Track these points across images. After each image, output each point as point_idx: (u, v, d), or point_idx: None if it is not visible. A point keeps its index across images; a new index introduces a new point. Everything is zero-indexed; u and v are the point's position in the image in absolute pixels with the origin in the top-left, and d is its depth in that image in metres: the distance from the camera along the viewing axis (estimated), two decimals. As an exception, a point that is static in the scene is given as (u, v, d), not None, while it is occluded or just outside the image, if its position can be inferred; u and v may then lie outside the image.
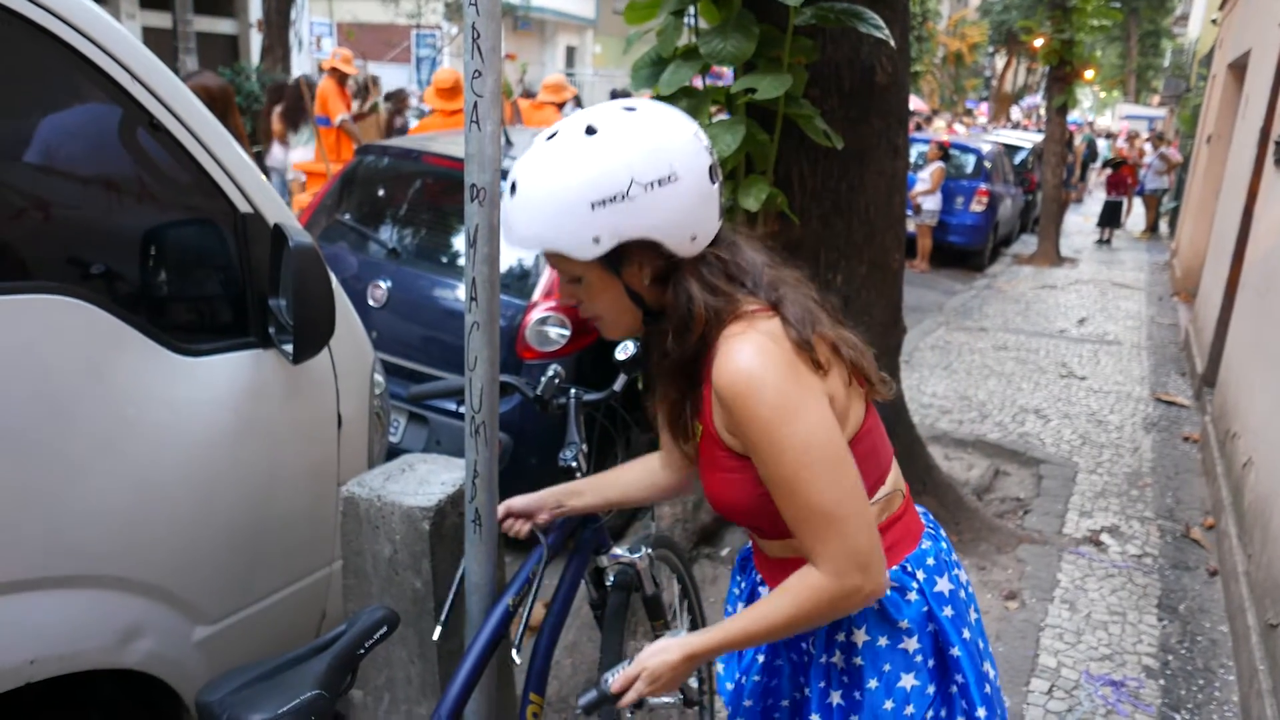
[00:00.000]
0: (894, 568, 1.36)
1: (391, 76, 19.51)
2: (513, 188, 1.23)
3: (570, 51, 30.13)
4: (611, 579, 2.00)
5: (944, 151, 10.96)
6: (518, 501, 1.71)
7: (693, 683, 2.21)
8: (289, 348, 1.89)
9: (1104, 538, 4.05)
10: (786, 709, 1.53)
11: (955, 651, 1.37)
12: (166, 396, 1.75)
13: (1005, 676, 2.95)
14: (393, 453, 2.41)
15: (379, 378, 2.41)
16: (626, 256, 1.24)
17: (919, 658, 1.37)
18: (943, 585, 1.40)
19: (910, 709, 1.36)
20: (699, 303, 1.23)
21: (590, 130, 1.19)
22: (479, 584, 1.68)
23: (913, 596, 1.37)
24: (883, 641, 1.36)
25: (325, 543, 2.17)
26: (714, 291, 1.24)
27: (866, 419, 1.34)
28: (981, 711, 1.38)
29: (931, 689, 1.37)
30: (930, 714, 1.37)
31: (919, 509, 1.53)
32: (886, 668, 1.36)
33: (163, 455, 1.75)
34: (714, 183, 1.25)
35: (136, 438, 1.70)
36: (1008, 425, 5.44)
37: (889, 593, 1.34)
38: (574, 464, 1.87)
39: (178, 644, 1.83)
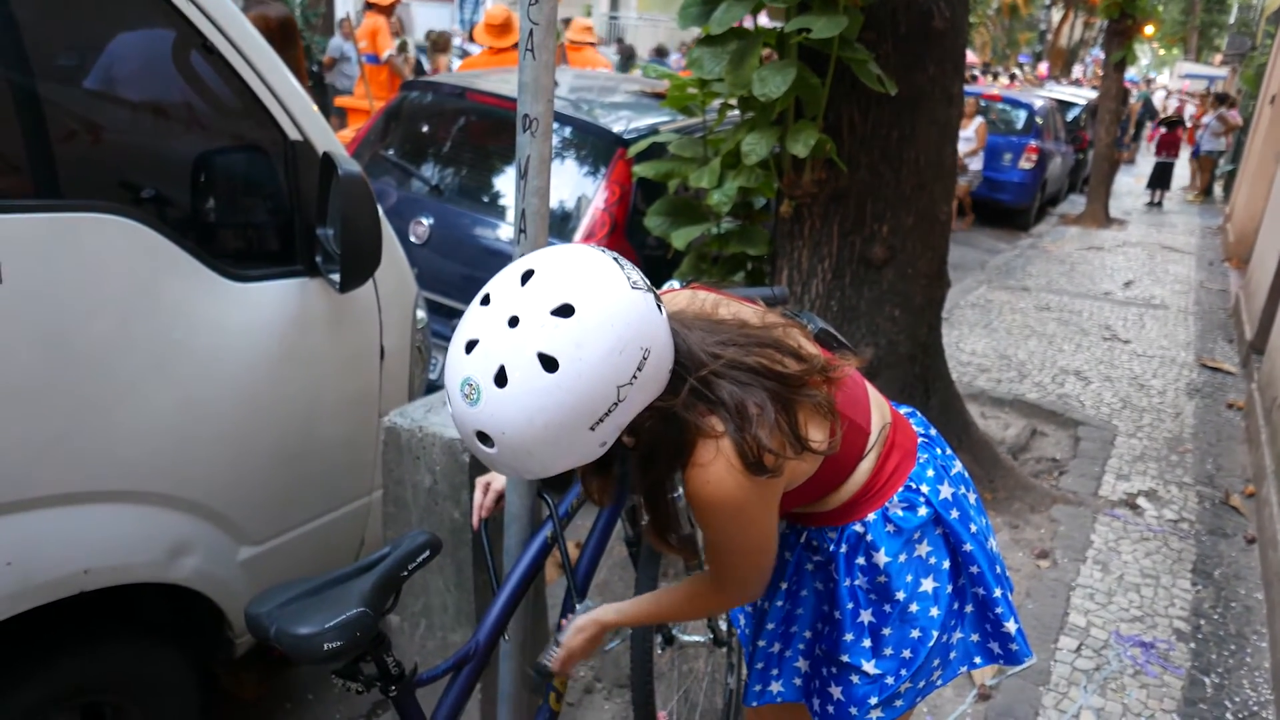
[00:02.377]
0: (900, 489, 1.44)
1: (434, 16, 19.32)
2: (483, 438, 1.12)
3: (615, -6, 29.59)
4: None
5: (979, 105, 10.61)
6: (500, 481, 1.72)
7: (721, 624, 2.23)
8: (335, 277, 1.90)
9: (1140, 501, 4.01)
10: (809, 639, 1.56)
11: (967, 547, 1.48)
12: (215, 320, 1.77)
13: (1034, 633, 2.95)
14: (431, 389, 2.44)
15: (421, 313, 2.42)
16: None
17: (933, 559, 1.47)
18: (945, 491, 1.48)
19: (935, 611, 1.46)
20: (692, 430, 1.20)
21: (549, 364, 1.07)
22: (518, 515, 1.70)
23: (923, 511, 1.45)
24: (902, 557, 1.44)
25: (366, 471, 2.20)
26: (692, 412, 1.20)
27: (834, 424, 1.33)
28: (998, 591, 1.49)
29: (949, 588, 1.48)
30: (955, 607, 1.49)
31: (902, 410, 1.58)
32: (909, 578, 1.44)
33: (210, 377, 1.78)
34: (660, 310, 1.16)
35: (185, 359, 1.73)
36: (1047, 386, 5.37)
37: (900, 512, 1.43)
38: None
39: (223, 562, 1.88)
